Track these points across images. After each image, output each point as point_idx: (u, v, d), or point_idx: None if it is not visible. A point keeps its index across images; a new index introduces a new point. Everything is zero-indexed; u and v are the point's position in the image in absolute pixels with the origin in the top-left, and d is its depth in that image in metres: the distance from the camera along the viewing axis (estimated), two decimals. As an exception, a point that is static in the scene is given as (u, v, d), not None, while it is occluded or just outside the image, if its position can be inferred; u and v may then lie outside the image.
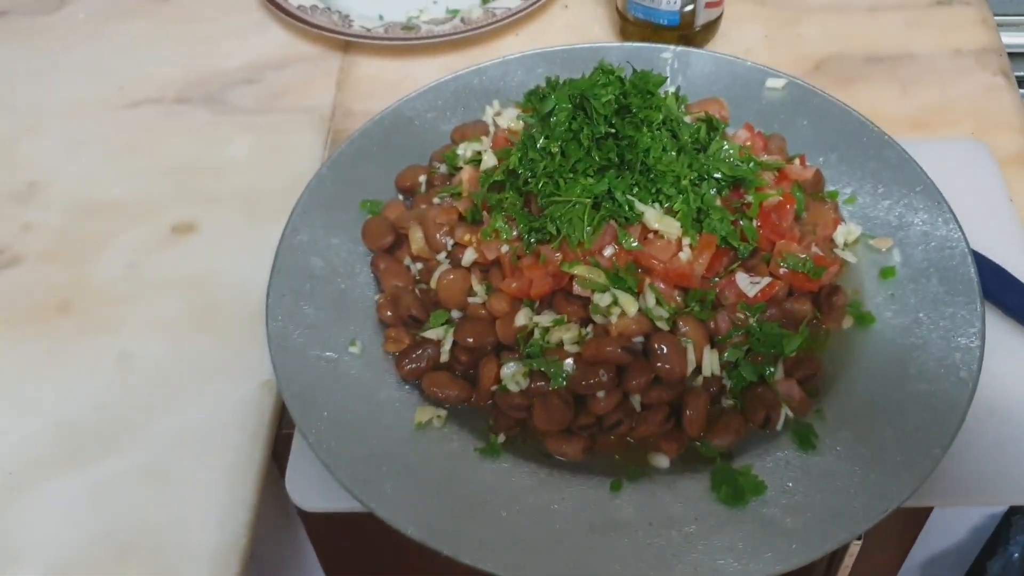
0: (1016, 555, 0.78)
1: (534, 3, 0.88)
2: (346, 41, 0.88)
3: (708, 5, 0.82)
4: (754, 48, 0.87)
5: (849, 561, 0.67)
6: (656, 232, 0.57)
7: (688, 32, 0.84)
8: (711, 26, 0.86)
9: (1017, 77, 0.85)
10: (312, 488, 0.57)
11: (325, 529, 0.73)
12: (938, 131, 0.79)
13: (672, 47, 0.75)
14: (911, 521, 0.71)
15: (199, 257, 0.72)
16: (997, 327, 0.63)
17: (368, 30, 0.87)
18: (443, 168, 0.68)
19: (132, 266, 0.71)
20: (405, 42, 0.85)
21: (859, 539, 0.60)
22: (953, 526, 0.76)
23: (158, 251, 0.72)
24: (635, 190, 0.58)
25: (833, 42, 0.87)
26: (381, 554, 0.75)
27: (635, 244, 0.57)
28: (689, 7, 0.81)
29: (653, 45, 0.76)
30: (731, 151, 0.61)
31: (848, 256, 0.63)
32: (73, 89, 0.86)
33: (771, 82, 0.73)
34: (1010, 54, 0.86)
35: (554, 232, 0.57)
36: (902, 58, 0.86)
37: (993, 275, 0.64)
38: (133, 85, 0.86)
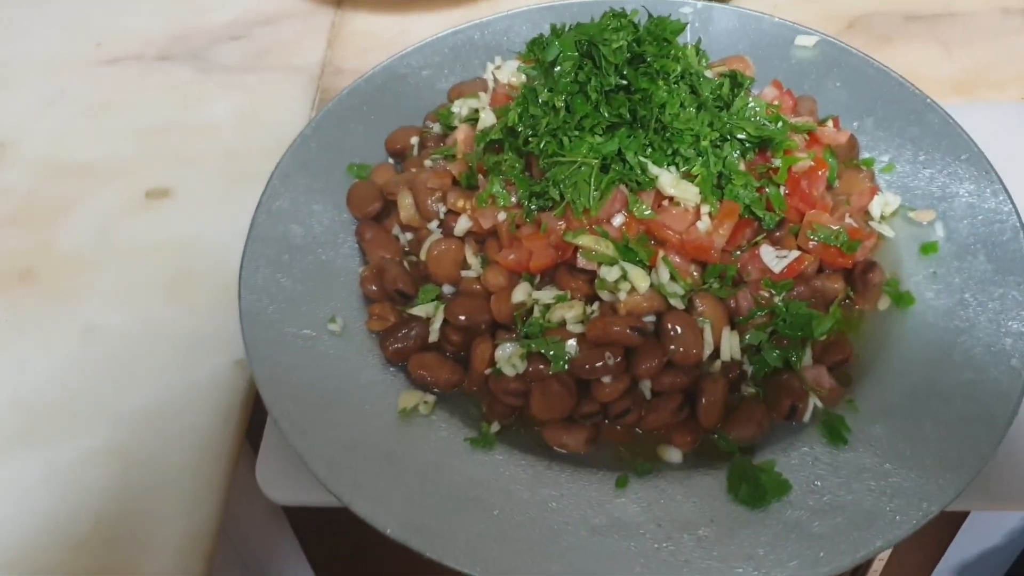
0: (1058, 560, 0.73)
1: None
2: (339, -6, 0.84)
3: (732, -43, 0.77)
4: (781, 4, 0.82)
5: (878, 565, 0.62)
6: (672, 199, 0.53)
7: (710, -13, 0.78)
8: (735, -19, 0.80)
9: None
10: (285, 479, 0.53)
11: (310, 521, 0.69)
12: (984, 95, 0.74)
13: (693, 1, 0.71)
14: (946, 522, 0.67)
15: (173, 224, 0.68)
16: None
17: (363, -18, 0.81)
18: (437, 128, 0.63)
19: (101, 233, 0.67)
20: (402, -6, 0.81)
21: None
22: (991, 528, 0.71)
23: (130, 217, 0.68)
24: (649, 151, 0.53)
25: (868, -1, 0.82)
26: (371, 549, 0.71)
27: (648, 212, 0.52)
28: (712, -41, 0.76)
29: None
30: (757, 109, 0.56)
31: (885, 229, 0.59)
32: (47, 44, 0.82)
33: (801, 40, 0.68)
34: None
35: (557, 198, 0.53)
36: (943, 16, 0.81)
37: (1048, 253, 0.59)
38: (112, 41, 0.82)
